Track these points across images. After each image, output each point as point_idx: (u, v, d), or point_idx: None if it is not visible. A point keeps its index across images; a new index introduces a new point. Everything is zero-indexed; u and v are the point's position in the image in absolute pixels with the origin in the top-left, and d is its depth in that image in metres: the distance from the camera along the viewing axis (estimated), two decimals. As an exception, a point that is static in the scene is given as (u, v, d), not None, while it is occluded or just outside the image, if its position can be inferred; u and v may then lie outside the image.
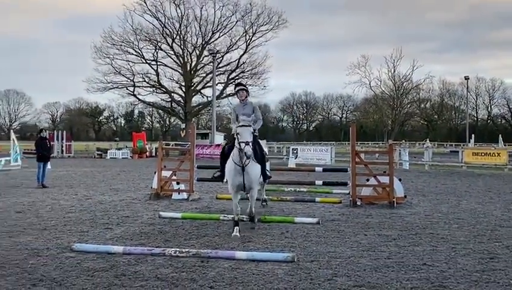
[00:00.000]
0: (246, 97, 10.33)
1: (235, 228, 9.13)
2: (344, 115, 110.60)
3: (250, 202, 9.74)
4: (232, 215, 9.66)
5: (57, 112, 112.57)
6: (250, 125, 9.15)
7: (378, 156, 35.00)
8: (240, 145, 8.99)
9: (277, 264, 7.09)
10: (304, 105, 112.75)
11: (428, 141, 51.60)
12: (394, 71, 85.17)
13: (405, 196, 13.73)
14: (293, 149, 38.38)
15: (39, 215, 11.59)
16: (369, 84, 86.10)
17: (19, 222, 10.64)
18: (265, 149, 11.09)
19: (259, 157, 9.58)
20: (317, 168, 16.74)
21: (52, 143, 33.63)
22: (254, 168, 9.34)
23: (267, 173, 10.57)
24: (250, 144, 8.88)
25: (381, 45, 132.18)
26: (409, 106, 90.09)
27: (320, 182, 15.17)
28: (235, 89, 10.58)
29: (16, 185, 18.89)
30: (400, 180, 13.76)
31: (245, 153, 8.77)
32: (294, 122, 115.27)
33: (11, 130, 40.20)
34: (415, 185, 19.50)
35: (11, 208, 12.67)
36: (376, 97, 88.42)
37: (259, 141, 10.32)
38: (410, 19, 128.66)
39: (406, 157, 32.34)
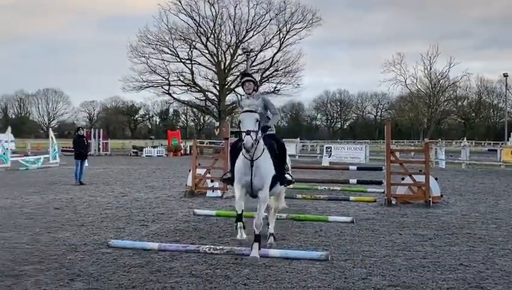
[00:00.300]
0: (254, 90, 8.25)
1: (238, 224, 7.71)
2: (379, 113, 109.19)
3: (257, 208, 7.56)
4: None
5: (94, 110, 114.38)
6: (255, 111, 7.37)
7: (413, 155, 34.54)
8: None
9: (311, 263, 7.08)
10: (338, 103, 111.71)
11: (465, 140, 50.63)
12: (430, 68, 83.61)
13: (441, 195, 13.52)
14: (326, 147, 38.23)
15: (77, 211, 11.84)
16: (405, 81, 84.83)
17: (57, 218, 10.89)
18: (288, 159, 8.76)
19: (275, 154, 7.85)
20: (351, 167, 16.67)
21: (89, 141, 34.23)
22: (266, 163, 7.58)
23: (287, 175, 8.29)
24: (253, 134, 7.13)
25: (417, 42, 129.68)
26: (445, 103, 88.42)
27: (355, 181, 15.06)
28: (240, 79, 8.61)
29: (54, 182, 19.31)
30: (436, 179, 13.55)
31: (243, 144, 7.11)
32: (328, 121, 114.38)
33: (50, 128, 41.04)
34: (452, 184, 19.18)
35: (49, 204, 12.97)
36: (412, 95, 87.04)
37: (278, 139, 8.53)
38: (447, 15, 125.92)
39: (442, 156, 31.84)
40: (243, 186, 7.60)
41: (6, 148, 26.73)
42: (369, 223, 10.38)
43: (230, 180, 8.16)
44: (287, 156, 8.60)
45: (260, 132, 7.46)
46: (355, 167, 16.47)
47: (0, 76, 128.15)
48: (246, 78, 8.45)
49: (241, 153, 7.58)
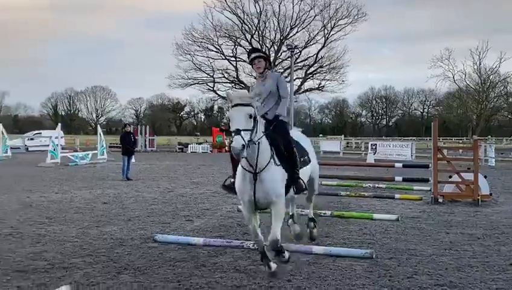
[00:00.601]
0: (266, 69, 6.90)
1: (269, 264, 6.32)
2: (425, 110, 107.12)
3: (272, 222, 6.32)
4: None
5: (141, 107, 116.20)
6: (249, 105, 5.80)
7: (461, 152, 33.75)
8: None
9: (355, 260, 7.02)
10: (383, 100, 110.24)
11: (516, 137, 49.14)
12: (480, 64, 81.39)
13: (491, 194, 13.17)
14: (371, 145, 37.80)
15: (124, 206, 12.09)
16: (453, 77, 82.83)
17: (105, 212, 11.15)
18: (309, 150, 7.43)
19: (282, 154, 6.32)
20: (396, 164, 16.38)
21: (136, 137, 34.87)
22: (271, 174, 6.07)
23: (301, 181, 6.63)
24: (245, 134, 5.58)
25: (466, 36, 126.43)
26: (495, 100, 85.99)
27: (400, 178, 14.83)
28: (248, 57, 7.06)
29: (102, 177, 19.77)
30: (485, 177, 13.22)
31: (231, 147, 5.64)
32: (373, 118, 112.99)
33: (98, 125, 42.08)
34: (502, 182, 18.66)
35: (98, 199, 13.28)
36: (460, 91, 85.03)
37: (292, 132, 7.17)
38: (497, 9, 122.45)
39: (491, 154, 30.99)
40: (252, 211, 6.35)
41: (57, 144, 27.52)
42: (415, 222, 10.21)
43: (231, 189, 6.71)
44: (298, 153, 6.80)
45: (259, 131, 5.92)
46: (401, 165, 16.17)
47: (51, 74, 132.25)
48: (254, 55, 6.93)
49: (240, 164, 6.17)
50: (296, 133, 7.28)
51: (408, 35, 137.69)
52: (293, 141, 6.74)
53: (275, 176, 6.10)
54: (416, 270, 6.62)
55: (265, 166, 5.99)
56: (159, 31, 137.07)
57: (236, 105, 5.81)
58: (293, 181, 6.47)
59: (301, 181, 6.61)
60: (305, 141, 7.43)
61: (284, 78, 6.81)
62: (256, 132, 5.84)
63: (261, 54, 6.94)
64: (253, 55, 6.91)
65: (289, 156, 6.42)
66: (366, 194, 14.00)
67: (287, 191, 6.43)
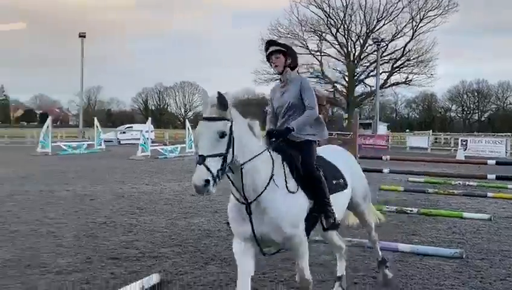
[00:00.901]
0: (288, 67, 5.06)
1: None
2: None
3: (296, 262, 4.70)
4: None
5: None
6: (222, 119, 3.96)
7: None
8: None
9: (443, 260, 6.83)
10: (475, 94, 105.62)
11: None
12: None
13: None
14: (462, 140, 36.40)
15: (211, 198, 12.33)
16: (553, 70, 78.08)
17: (193, 204, 11.49)
18: (347, 170, 5.32)
19: (300, 179, 4.52)
20: (489, 161, 15.66)
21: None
22: (279, 204, 4.27)
23: (330, 212, 4.66)
24: (212, 161, 3.81)
25: None
26: None
27: (493, 176, 14.17)
28: (266, 51, 5.09)
29: (190, 170, 20.30)
30: None
31: (193, 183, 3.77)
32: (464, 112, 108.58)
33: (186, 119, 43.31)
34: None
35: (186, 191, 13.68)
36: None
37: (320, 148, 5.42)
38: None
39: None
40: (246, 242, 4.51)
41: (147, 138, 28.60)
42: (509, 222, 9.78)
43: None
44: (342, 175, 5.15)
45: (244, 154, 4.16)
46: (494, 162, 15.44)
47: (142, 70, 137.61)
48: (271, 49, 5.00)
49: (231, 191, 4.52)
50: (328, 149, 5.71)
51: (503, 25, 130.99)
52: (320, 163, 4.91)
53: (284, 201, 4.30)
54: (510, 272, 6.35)
55: (262, 193, 4.26)
56: (245, 26, 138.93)
57: (205, 119, 4.00)
58: (320, 209, 4.62)
59: (331, 211, 4.67)
60: (340, 157, 5.51)
61: (309, 82, 5.07)
62: (238, 155, 4.10)
63: (280, 48, 5.01)
64: (270, 49, 5.01)
65: (311, 183, 4.59)
66: (455, 192, 13.50)
67: (312, 225, 4.61)
